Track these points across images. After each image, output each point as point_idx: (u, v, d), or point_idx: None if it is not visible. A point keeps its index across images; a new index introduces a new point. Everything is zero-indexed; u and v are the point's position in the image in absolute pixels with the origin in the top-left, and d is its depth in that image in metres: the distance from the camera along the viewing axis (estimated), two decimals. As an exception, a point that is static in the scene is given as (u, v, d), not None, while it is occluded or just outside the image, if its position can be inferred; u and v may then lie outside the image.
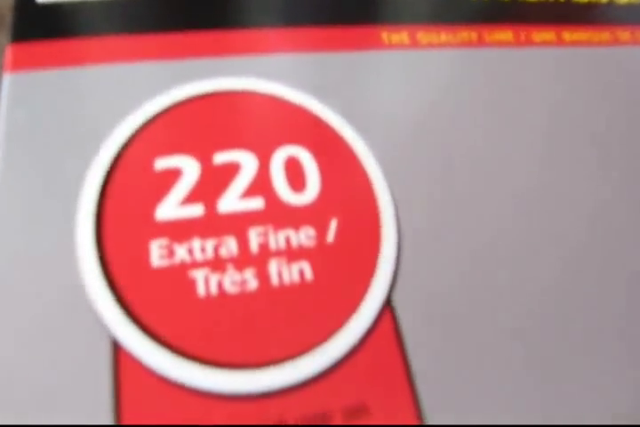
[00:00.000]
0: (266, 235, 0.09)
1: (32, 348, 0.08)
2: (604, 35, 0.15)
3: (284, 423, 0.08)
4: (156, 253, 0.09)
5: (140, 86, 0.11)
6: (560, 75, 0.13)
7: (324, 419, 0.08)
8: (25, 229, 0.09)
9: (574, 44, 0.14)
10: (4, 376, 0.08)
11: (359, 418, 0.08)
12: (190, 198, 0.09)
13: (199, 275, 0.09)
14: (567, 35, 0.14)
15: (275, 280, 0.09)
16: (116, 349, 0.08)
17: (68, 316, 0.08)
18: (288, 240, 0.09)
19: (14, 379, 0.08)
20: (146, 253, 0.09)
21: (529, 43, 0.14)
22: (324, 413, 0.08)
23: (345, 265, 0.09)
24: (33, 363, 0.08)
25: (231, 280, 0.09)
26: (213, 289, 0.09)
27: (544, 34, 0.14)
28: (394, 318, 0.09)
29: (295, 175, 0.10)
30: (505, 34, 0.14)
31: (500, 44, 0.13)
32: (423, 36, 0.13)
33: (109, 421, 0.08)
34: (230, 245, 0.09)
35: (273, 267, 0.09)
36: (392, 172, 0.10)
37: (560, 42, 0.14)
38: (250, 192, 0.10)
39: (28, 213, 0.09)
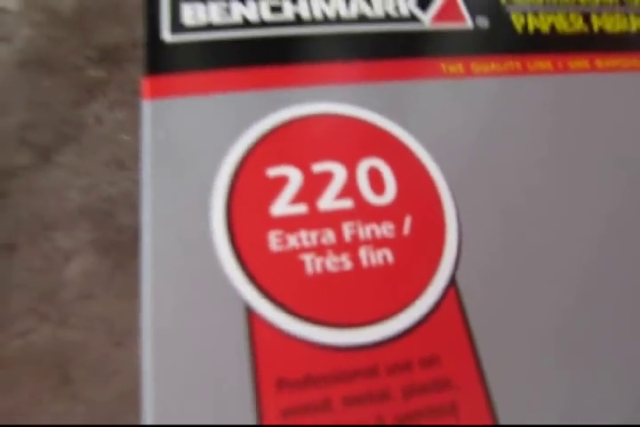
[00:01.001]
0: (356, 228, 0.12)
1: (184, 315, 0.11)
2: (634, 61, 0.17)
3: (375, 368, 0.10)
4: (274, 241, 0.12)
5: (248, 110, 0.14)
6: (594, 98, 0.16)
7: (407, 366, 0.10)
8: (172, 223, 0.12)
9: (606, 70, 0.17)
10: (166, 336, 0.11)
11: (433, 366, 0.11)
12: (296, 199, 0.12)
13: (307, 258, 0.11)
14: (600, 62, 0.17)
15: (365, 262, 0.12)
16: (249, 312, 0.11)
17: (210, 289, 0.11)
18: (373, 232, 0.12)
19: (172, 338, 0.11)
20: (266, 241, 0.12)
21: (566, 70, 0.16)
22: (407, 361, 0.11)
23: (418, 251, 0.12)
24: (186, 327, 0.11)
25: (331, 262, 0.12)
26: (318, 268, 0.11)
27: (579, 61, 0.17)
28: (457, 293, 0.11)
29: (376, 181, 0.13)
30: (544, 63, 0.16)
31: (541, 71, 0.16)
32: (476, 66, 0.16)
33: (248, 365, 0.10)
34: (329, 236, 0.12)
35: (363, 252, 0.12)
36: (452, 178, 0.13)
37: (593, 68, 0.16)
38: (342, 194, 0.12)
39: (174, 210, 0.12)
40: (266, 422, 0.10)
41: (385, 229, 0.12)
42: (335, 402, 0.10)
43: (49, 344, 0.12)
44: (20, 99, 0.16)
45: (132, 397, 0.11)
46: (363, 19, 0.16)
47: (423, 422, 0.10)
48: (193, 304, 0.11)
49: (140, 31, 0.18)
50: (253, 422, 0.10)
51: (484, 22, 0.17)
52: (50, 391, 0.12)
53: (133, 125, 0.15)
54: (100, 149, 0.15)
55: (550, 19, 0.17)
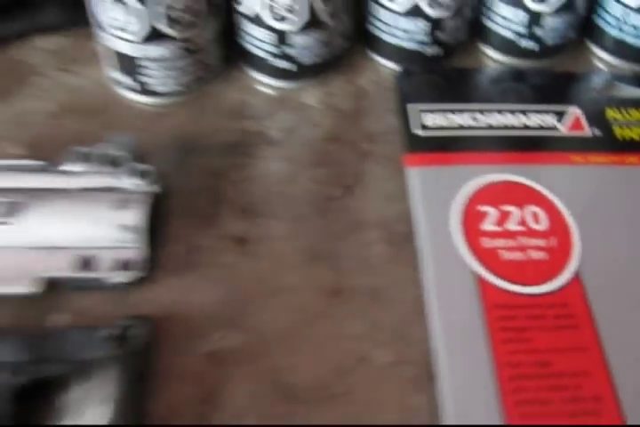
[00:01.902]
0: (526, 240, 0.24)
1: (443, 279, 0.23)
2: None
3: (541, 304, 0.22)
4: (485, 242, 0.24)
5: (463, 176, 0.26)
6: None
7: (554, 306, 0.22)
8: (433, 232, 0.24)
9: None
10: (432, 288, 0.23)
11: (566, 307, 0.22)
12: (495, 223, 0.24)
13: (502, 251, 0.24)
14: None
15: (531, 257, 0.23)
16: (477, 278, 0.23)
17: (454, 265, 0.23)
18: (534, 243, 0.24)
19: (436, 288, 0.23)
20: (481, 242, 0.24)
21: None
22: (554, 303, 0.22)
23: (558, 252, 0.24)
24: (441, 285, 0.23)
25: (514, 255, 0.23)
26: (509, 257, 0.23)
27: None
28: (579, 276, 0.23)
29: (535, 218, 0.25)
30: (634, 158, 0.28)
31: (632, 164, 0.28)
32: (591, 158, 0.27)
33: (478, 302, 0.22)
34: (512, 243, 0.24)
35: (530, 252, 0.24)
36: (577, 214, 0.25)
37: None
38: (518, 223, 0.24)
39: (433, 225, 0.24)
40: (487, 316, 0.22)
41: (542, 242, 0.24)
42: (521, 317, 0.22)
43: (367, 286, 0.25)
44: (323, 159, 0.29)
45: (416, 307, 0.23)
46: (525, 126, 0.28)
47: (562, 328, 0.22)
48: (447, 272, 0.23)
49: (386, 124, 0.31)
50: (481, 317, 0.22)
51: (597, 131, 0.29)
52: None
53: (397, 178, 0.28)
54: (378, 190, 0.28)
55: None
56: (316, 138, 0.30)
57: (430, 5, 0.29)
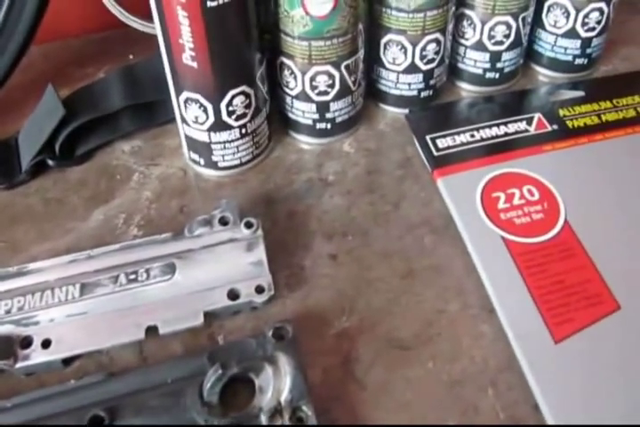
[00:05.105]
0: (528, 208, 0.38)
1: (483, 242, 0.37)
2: None
3: (547, 248, 0.36)
4: (500, 214, 0.38)
5: (479, 175, 0.41)
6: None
7: (555, 246, 0.36)
8: (466, 210, 0.39)
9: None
10: (487, 256, 0.37)
11: (564, 245, 0.36)
12: (506, 202, 0.39)
13: (515, 219, 0.38)
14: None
15: (533, 218, 0.38)
16: (503, 238, 0.37)
17: (482, 231, 0.38)
18: (535, 209, 0.38)
19: (490, 248, 0.37)
20: (499, 213, 0.38)
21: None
22: (556, 244, 0.36)
23: (551, 211, 0.38)
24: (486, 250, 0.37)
25: (521, 220, 0.38)
26: (518, 222, 0.38)
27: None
28: (570, 226, 0.37)
29: (530, 193, 0.39)
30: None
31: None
32: (558, 144, 0.42)
33: (509, 256, 0.37)
34: (520, 212, 0.38)
35: (533, 215, 0.38)
36: (558, 185, 0.39)
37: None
38: (520, 198, 0.39)
39: (467, 205, 0.39)
40: (516, 261, 0.36)
41: (538, 207, 0.38)
42: (538, 257, 0.36)
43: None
44: (370, 188, 0.44)
45: (468, 270, 0.37)
46: (506, 133, 0.43)
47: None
48: (483, 241, 0.37)
49: (406, 152, 0.45)
50: (513, 263, 0.36)
51: (555, 126, 0.43)
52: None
53: (428, 189, 0.43)
54: (417, 200, 0.42)
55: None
56: (359, 174, 0.44)
57: (423, 62, 0.45)
